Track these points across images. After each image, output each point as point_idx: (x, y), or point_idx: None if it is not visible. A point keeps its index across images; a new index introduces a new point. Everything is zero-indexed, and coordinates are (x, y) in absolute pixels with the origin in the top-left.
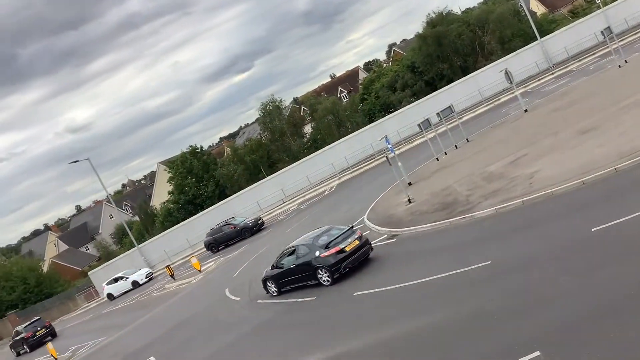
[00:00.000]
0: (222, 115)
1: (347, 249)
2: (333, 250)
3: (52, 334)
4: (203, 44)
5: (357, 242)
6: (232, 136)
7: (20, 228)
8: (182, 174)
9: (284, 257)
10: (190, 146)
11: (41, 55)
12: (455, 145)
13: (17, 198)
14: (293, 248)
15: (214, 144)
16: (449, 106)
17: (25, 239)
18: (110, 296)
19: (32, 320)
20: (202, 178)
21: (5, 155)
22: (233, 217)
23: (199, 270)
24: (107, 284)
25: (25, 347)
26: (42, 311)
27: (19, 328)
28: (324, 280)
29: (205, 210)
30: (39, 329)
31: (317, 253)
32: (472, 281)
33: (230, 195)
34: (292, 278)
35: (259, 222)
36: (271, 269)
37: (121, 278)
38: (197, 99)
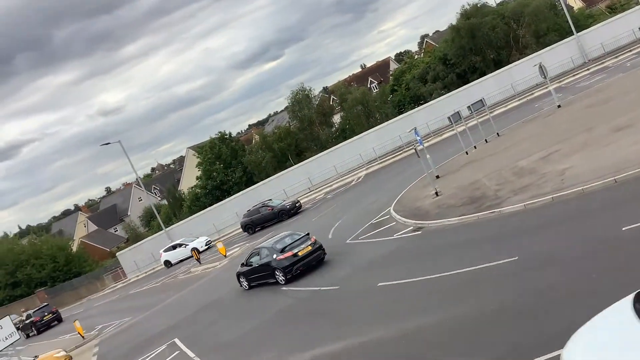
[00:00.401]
0: (252, 102)
1: (300, 253)
2: (287, 254)
3: (58, 319)
4: (234, 31)
5: (309, 247)
6: (261, 123)
7: (51, 207)
8: (210, 160)
9: (252, 257)
10: (219, 132)
11: (75, 38)
12: (486, 140)
13: (49, 178)
14: (258, 250)
15: (243, 131)
16: (481, 99)
17: (55, 219)
18: (167, 263)
19: (40, 306)
20: (230, 164)
21: (38, 136)
22: (270, 199)
23: (225, 255)
24: (165, 250)
25: (33, 329)
26: (70, 289)
27: (29, 312)
28: (280, 280)
29: (232, 197)
30: (46, 314)
31: (274, 256)
32: (498, 276)
33: (258, 182)
34: (258, 275)
35: (297, 204)
36: (241, 266)
37: (180, 245)
38: (227, 86)
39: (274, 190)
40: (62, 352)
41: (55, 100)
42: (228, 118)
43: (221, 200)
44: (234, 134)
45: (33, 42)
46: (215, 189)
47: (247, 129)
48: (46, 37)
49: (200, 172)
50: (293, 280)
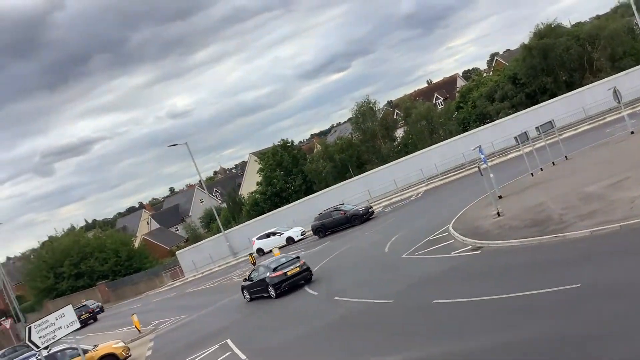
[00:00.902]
0: (315, 112)
1: (289, 273)
2: (278, 273)
3: (94, 318)
4: (303, 41)
5: (297, 269)
6: (323, 133)
7: (117, 204)
8: (271, 166)
9: (252, 273)
10: (282, 140)
11: (150, 42)
12: (553, 162)
13: (117, 175)
14: (257, 267)
15: (305, 140)
16: (550, 121)
17: (120, 215)
18: (260, 251)
19: (80, 305)
20: (290, 172)
21: (109, 135)
22: (342, 204)
23: None
24: (258, 238)
25: None
26: (130, 284)
27: None
28: (272, 294)
29: (291, 204)
30: (83, 312)
31: (268, 274)
32: (559, 303)
33: (317, 191)
34: (256, 289)
35: (369, 210)
36: (244, 280)
37: (274, 233)
38: (292, 95)
39: (332, 200)
40: (120, 343)
41: (127, 101)
42: (291, 126)
43: (280, 207)
44: (296, 142)
45: (110, 44)
46: (274, 196)
47: (309, 138)
48: (123, 39)
49: (260, 178)
50: (282, 296)
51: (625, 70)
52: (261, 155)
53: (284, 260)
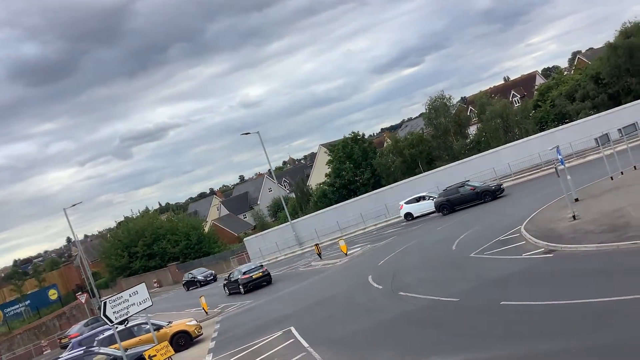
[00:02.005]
0: (386, 106)
1: (254, 276)
2: (246, 276)
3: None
4: (377, 35)
5: (260, 274)
6: (394, 128)
7: (190, 189)
8: (341, 159)
9: (231, 275)
10: (353, 132)
11: (227, 32)
12: (634, 166)
13: (190, 161)
14: (234, 270)
15: (375, 134)
16: (633, 123)
17: (192, 200)
18: (408, 216)
19: (206, 271)
20: (360, 165)
21: (184, 122)
22: (468, 180)
23: (346, 254)
24: (407, 202)
25: None
26: (199, 267)
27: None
28: (241, 291)
29: (358, 197)
30: (209, 277)
31: (240, 276)
32: (635, 311)
33: (385, 185)
34: (232, 287)
35: (500, 186)
36: (224, 280)
37: (424, 197)
38: (363, 88)
39: (400, 196)
40: (193, 321)
41: (202, 89)
42: (361, 120)
43: (347, 199)
44: (366, 136)
45: (188, 33)
46: (342, 188)
47: (380, 132)
48: (200, 29)
49: (329, 170)
50: (248, 293)
51: None
52: (331, 147)
53: (252, 266)
